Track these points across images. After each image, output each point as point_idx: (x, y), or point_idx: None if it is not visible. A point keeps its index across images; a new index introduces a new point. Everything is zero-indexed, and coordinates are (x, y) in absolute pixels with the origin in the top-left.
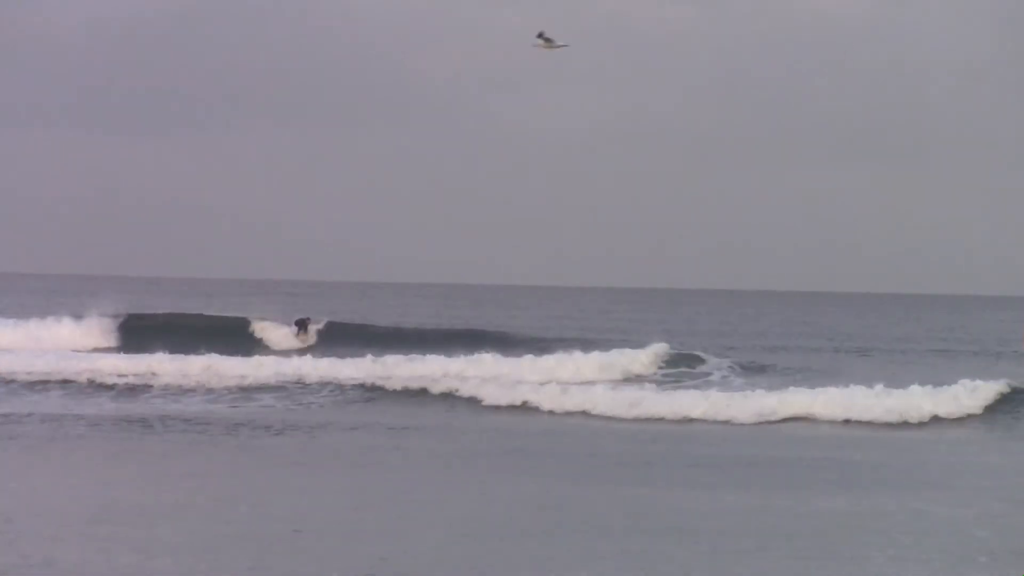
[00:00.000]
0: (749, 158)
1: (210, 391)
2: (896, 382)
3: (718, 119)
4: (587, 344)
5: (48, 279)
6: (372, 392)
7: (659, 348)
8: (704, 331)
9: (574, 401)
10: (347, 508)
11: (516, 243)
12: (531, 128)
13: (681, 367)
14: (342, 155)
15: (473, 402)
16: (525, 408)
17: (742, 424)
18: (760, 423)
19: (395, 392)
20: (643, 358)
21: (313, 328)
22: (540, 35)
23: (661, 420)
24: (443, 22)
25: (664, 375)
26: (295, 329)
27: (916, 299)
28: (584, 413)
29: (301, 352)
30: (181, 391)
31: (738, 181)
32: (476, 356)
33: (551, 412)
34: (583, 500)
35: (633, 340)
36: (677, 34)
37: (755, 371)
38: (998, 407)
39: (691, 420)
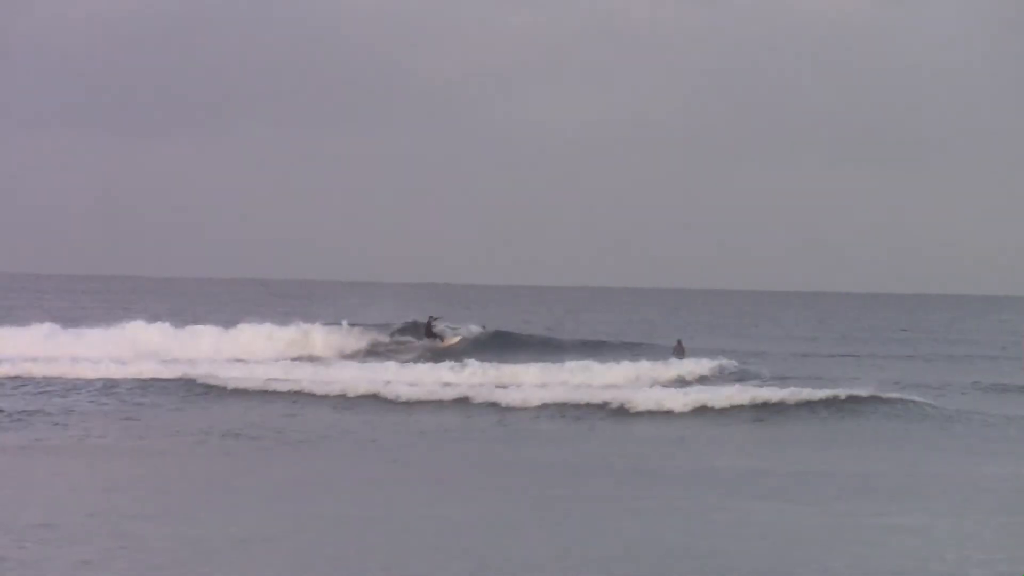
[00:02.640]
0: (749, 158)
1: None
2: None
3: (718, 119)
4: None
5: (46, 279)
6: None
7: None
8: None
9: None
10: None
11: (516, 243)
12: (531, 128)
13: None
14: (342, 155)
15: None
16: None
17: None
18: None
19: None
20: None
21: (441, 325)
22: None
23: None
24: (442, 22)
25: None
26: (434, 340)
27: (916, 299)
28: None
29: None
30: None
31: (737, 181)
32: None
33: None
34: None
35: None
36: (677, 34)
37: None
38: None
39: None
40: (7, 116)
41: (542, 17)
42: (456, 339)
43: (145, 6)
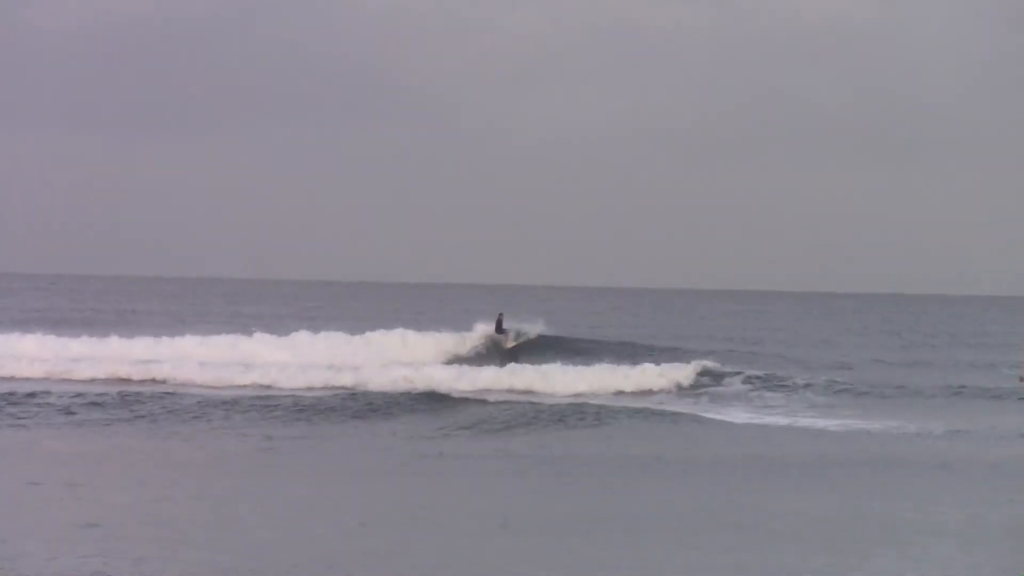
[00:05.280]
0: (751, 158)
1: None
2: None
3: (719, 120)
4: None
5: (48, 279)
6: None
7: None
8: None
9: None
10: None
11: (516, 243)
12: (531, 129)
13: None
14: (343, 155)
15: None
16: None
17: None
18: None
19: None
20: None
21: (508, 328)
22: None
23: None
24: (443, 23)
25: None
26: (498, 336)
27: (915, 299)
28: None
29: None
30: None
31: (739, 181)
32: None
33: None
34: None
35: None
36: (678, 35)
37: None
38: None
39: None
40: (7, 116)
41: (543, 18)
42: (514, 343)
43: (145, 6)
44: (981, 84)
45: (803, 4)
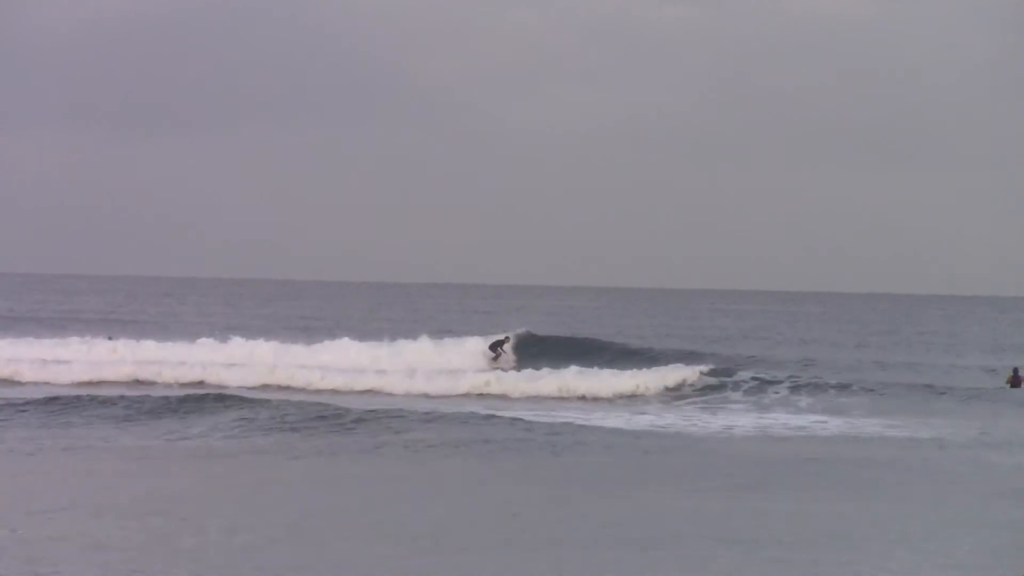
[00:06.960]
0: (749, 158)
1: None
2: None
3: (718, 119)
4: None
5: (47, 279)
6: None
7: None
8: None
9: None
10: None
11: (516, 243)
12: (531, 129)
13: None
14: (343, 155)
15: None
16: None
17: None
18: None
19: None
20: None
21: (509, 347)
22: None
23: None
24: (442, 22)
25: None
26: (490, 354)
27: (914, 299)
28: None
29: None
30: None
31: (738, 181)
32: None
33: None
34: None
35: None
36: (678, 34)
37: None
38: None
39: None
40: (7, 116)
41: (542, 17)
42: (497, 359)
43: (146, 6)
44: (982, 83)
45: (805, 5)
